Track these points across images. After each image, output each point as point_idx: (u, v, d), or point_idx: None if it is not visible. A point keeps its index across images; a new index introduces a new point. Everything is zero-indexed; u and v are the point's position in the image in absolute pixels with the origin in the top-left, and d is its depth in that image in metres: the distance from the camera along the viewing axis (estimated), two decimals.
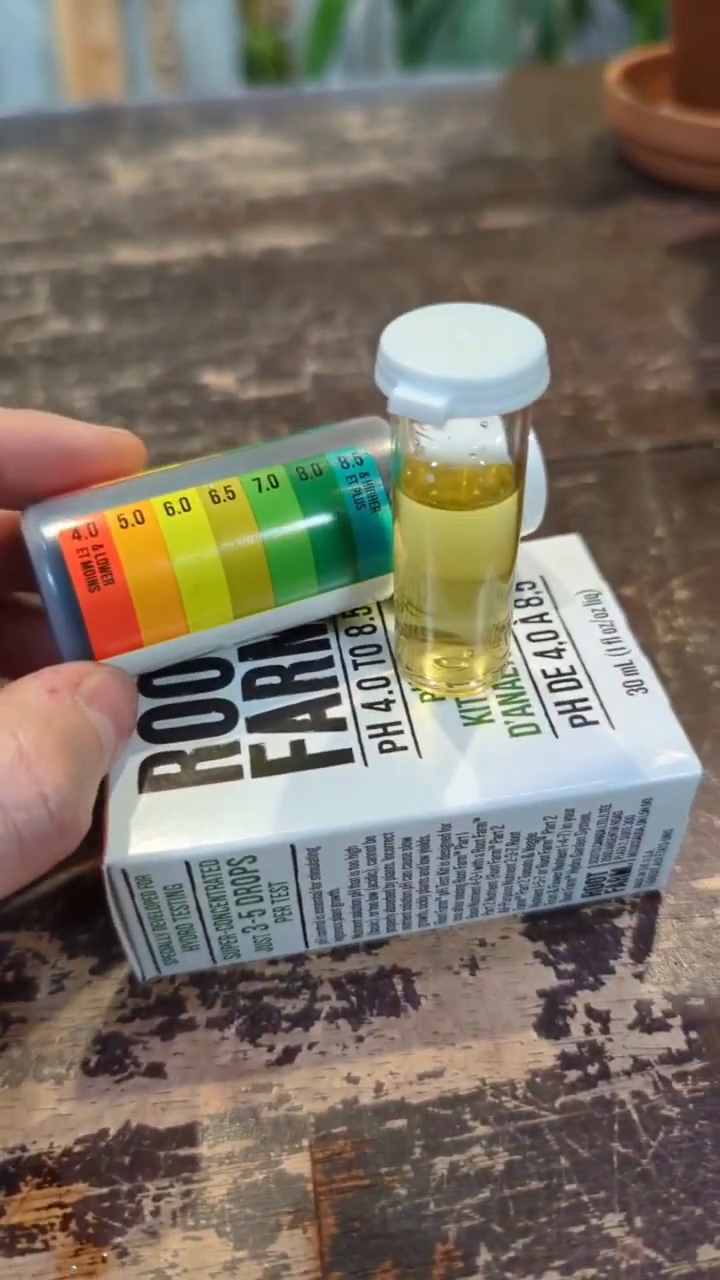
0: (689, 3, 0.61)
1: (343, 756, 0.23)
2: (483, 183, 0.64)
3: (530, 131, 0.71)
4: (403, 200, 0.62)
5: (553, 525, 0.36)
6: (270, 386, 0.45)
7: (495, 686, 0.24)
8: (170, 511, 0.23)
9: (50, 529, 0.22)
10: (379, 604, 0.26)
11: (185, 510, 0.23)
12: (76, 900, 0.26)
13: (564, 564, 0.27)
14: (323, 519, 0.24)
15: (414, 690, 0.24)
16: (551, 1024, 0.24)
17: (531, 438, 0.25)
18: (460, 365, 0.19)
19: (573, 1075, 0.23)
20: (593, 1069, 0.23)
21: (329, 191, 0.63)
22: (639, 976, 0.24)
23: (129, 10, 1.79)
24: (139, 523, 0.22)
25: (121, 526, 0.22)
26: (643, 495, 0.39)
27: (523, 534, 0.27)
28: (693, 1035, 0.23)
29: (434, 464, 0.22)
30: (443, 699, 0.24)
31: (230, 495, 0.23)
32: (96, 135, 0.72)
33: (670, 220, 0.59)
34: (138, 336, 0.49)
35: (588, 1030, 0.24)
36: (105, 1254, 0.21)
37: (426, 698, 0.24)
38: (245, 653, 0.25)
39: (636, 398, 0.44)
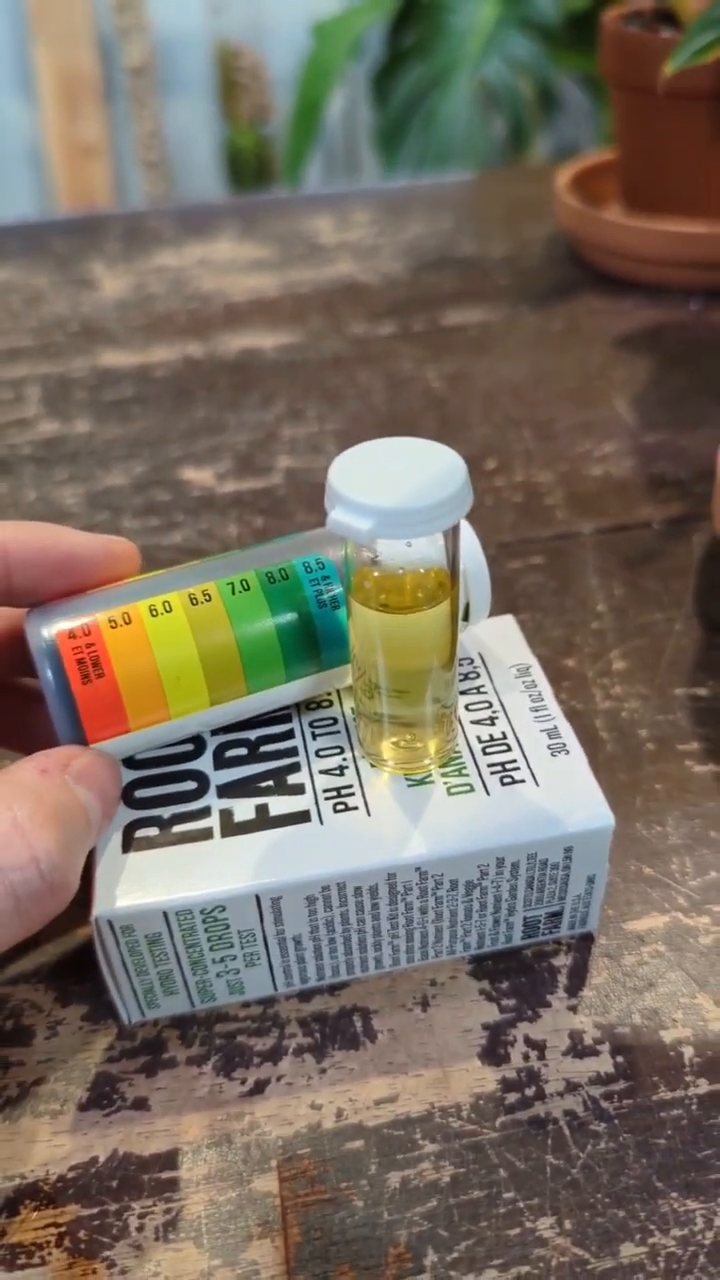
0: (630, 117, 0.67)
1: (301, 817, 0.26)
2: (444, 282, 0.69)
3: (490, 232, 0.76)
4: (369, 300, 0.67)
5: (502, 604, 0.40)
6: (246, 481, 0.49)
7: None
8: (154, 613, 0.26)
9: (49, 630, 0.26)
10: None
11: (167, 612, 0.26)
12: (69, 957, 0.29)
13: (500, 641, 0.31)
14: (289, 617, 0.27)
15: (371, 765, 0.28)
16: (494, 1053, 0.27)
17: (476, 542, 0.29)
18: (387, 494, 0.22)
19: (512, 1097, 0.26)
20: (530, 1091, 0.26)
21: (300, 294, 0.68)
22: (573, 1009, 0.27)
23: (115, 109, 1.88)
24: (127, 623, 0.26)
25: (111, 627, 0.26)
26: (586, 574, 0.42)
27: (470, 626, 0.30)
28: (619, 1059, 0.26)
29: (376, 573, 0.25)
30: None
31: (207, 598, 0.27)
32: (83, 244, 0.77)
33: (618, 315, 0.63)
34: (122, 436, 0.53)
35: (526, 1057, 0.26)
36: (96, 1267, 0.23)
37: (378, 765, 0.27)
38: (217, 729, 0.29)
39: (583, 483, 0.48)
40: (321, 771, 0.27)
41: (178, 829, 0.26)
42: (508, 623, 0.32)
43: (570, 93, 1.75)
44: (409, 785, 0.27)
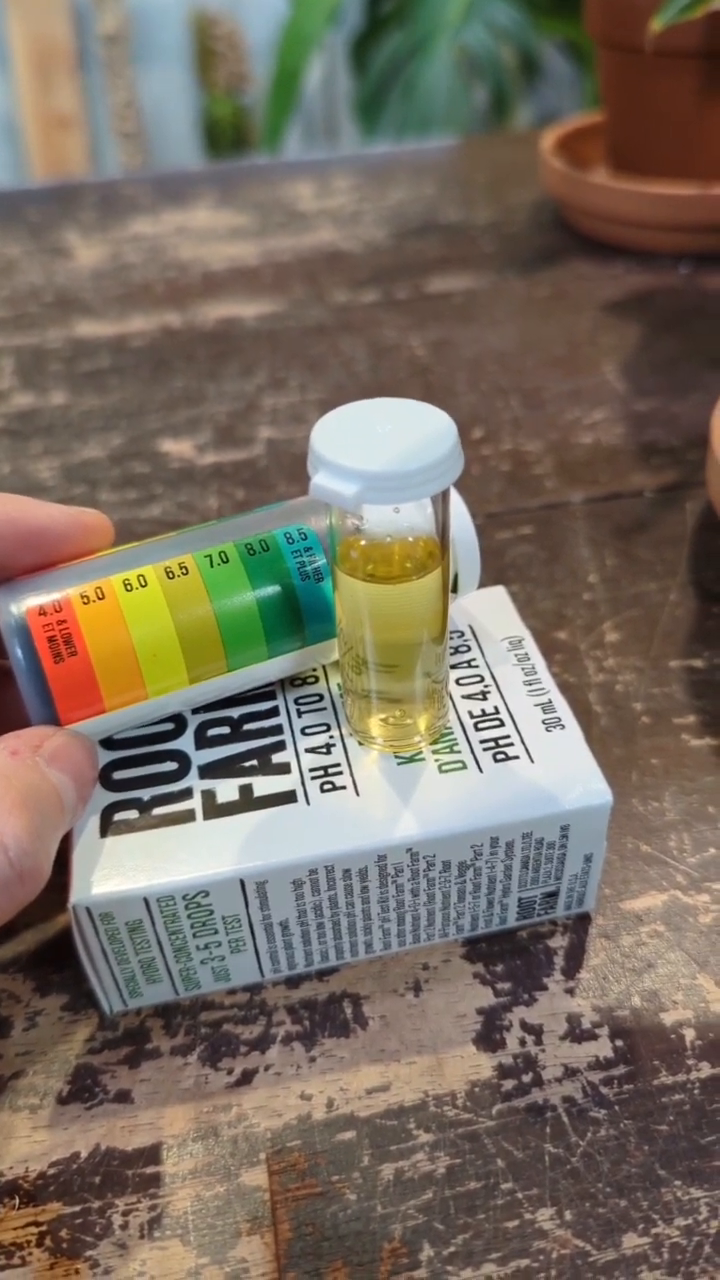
0: (616, 77, 0.65)
1: (287, 798, 0.25)
2: (428, 249, 0.67)
3: (474, 198, 0.75)
4: (352, 268, 0.65)
5: (491, 575, 0.39)
6: (227, 452, 0.48)
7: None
8: (129, 588, 0.25)
9: (18, 606, 0.24)
10: None
11: (142, 586, 0.25)
12: (48, 945, 0.28)
13: (491, 613, 0.30)
14: (270, 590, 0.26)
15: (359, 744, 0.26)
16: (489, 1038, 0.26)
17: (465, 510, 0.28)
18: (373, 458, 0.21)
19: (508, 1084, 0.25)
20: (527, 1078, 0.25)
21: (281, 262, 0.66)
22: (570, 992, 0.26)
23: (89, 79, 1.85)
24: (100, 599, 0.25)
25: (84, 603, 0.25)
26: (577, 544, 0.41)
27: (459, 598, 0.29)
28: (619, 1043, 0.25)
29: (363, 542, 0.24)
30: None
31: (184, 571, 0.25)
32: (58, 213, 0.75)
33: (606, 280, 0.62)
34: (99, 408, 0.52)
35: (522, 1043, 0.25)
36: (79, 1266, 0.22)
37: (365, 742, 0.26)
38: (198, 707, 0.27)
39: (572, 451, 0.47)
40: (307, 750, 0.26)
41: (158, 811, 0.25)
42: (499, 594, 0.31)
43: (553, 60, 1.72)
44: (399, 763, 0.26)
